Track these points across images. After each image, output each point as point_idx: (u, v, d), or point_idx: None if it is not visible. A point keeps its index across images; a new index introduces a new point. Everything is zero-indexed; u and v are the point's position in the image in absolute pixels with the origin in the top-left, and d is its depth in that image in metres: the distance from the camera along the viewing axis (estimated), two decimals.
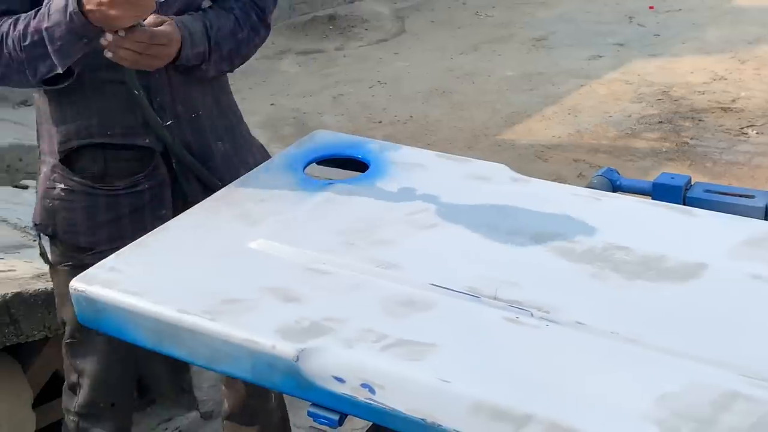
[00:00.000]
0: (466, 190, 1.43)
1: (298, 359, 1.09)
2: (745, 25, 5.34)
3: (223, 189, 1.50)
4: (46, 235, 1.62)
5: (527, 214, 1.35)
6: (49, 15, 1.43)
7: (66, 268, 1.63)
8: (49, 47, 1.43)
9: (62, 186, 1.58)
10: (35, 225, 1.67)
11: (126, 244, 1.61)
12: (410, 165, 1.51)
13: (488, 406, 0.99)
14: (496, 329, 1.10)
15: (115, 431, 1.84)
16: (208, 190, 1.57)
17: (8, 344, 1.90)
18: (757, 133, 4.06)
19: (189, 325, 1.17)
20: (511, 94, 4.75)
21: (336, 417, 1.11)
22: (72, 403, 1.80)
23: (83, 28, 1.40)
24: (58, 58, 1.44)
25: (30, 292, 1.92)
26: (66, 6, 1.40)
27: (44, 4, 1.44)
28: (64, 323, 1.72)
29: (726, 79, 4.68)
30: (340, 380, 1.08)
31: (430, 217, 1.35)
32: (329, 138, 1.61)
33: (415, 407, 1.03)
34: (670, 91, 4.58)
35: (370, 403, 1.06)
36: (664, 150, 3.99)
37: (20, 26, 1.45)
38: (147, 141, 1.59)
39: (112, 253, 1.53)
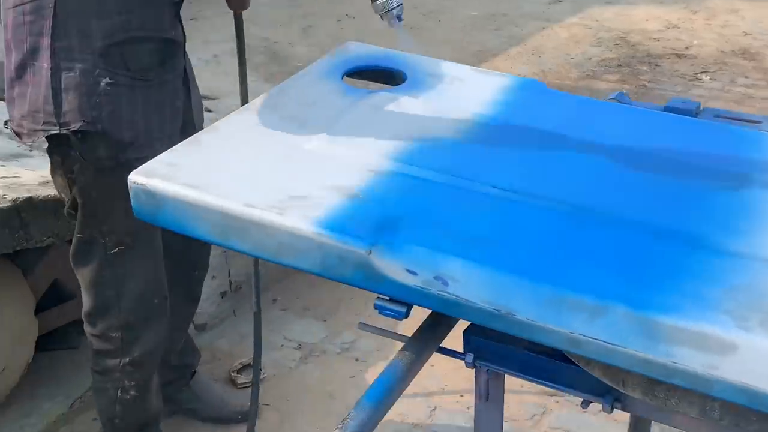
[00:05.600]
0: (505, 102, 1.47)
1: (371, 253, 1.12)
2: None
3: (262, 96, 1.51)
4: (96, 132, 1.59)
5: (559, 122, 1.40)
6: None
7: (112, 164, 1.60)
8: None
9: (107, 80, 1.56)
10: (82, 123, 1.58)
11: (155, 137, 1.64)
12: (449, 78, 1.54)
13: (564, 297, 1.04)
14: (567, 229, 1.16)
15: (156, 347, 1.83)
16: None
17: (17, 248, 1.88)
18: (710, 78, 4.21)
19: (257, 219, 1.17)
20: (476, 33, 4.78)
21: (404, 309, 1.16)
22: (102, 324, 1.74)
23: None
24: None
25: (40, 197, 1.89)
26: None
27: None
28: (104, 234, 1.68)
29: (679, 27, 4.81)
30: (413, 273, 1.11)
31: (478, 127, 1.39)
32: (363, 50, 1.62)
33: (489, 298, 1.07)
34: (627, 37, 4.69)
35: (443, 295, 1.10)
36: (624, 91, 4.10)
37: None
38: (173, 34, 1.63)
39: (149, 149, 1.54)
